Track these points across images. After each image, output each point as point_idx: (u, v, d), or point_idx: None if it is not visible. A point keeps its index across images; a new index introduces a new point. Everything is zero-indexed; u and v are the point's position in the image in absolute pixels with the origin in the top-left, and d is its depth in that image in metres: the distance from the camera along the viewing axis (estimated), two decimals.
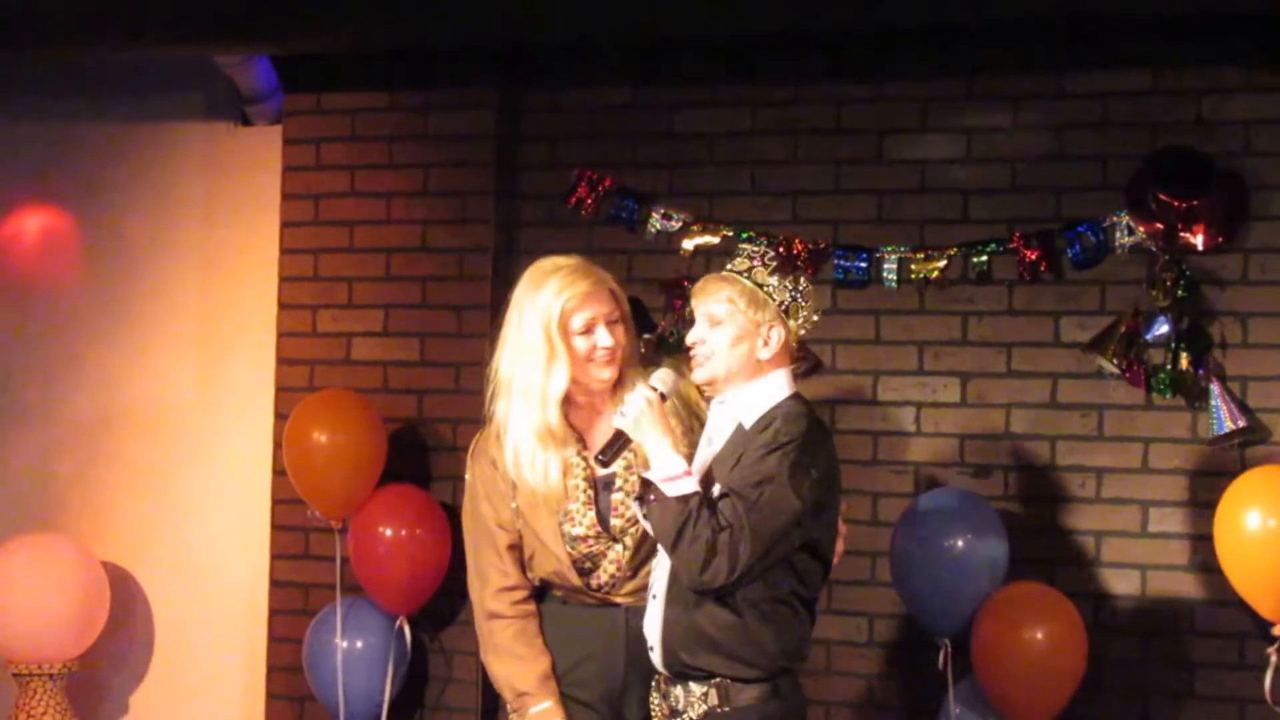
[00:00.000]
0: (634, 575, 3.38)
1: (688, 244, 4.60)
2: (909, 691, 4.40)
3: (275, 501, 4.84)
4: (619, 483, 3.38)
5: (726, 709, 3.11)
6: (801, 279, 3.23)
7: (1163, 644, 4.26)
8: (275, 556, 4.86)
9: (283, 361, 4.88)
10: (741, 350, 3.16)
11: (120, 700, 5.10)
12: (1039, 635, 4.07)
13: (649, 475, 3.12)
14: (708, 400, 3.32)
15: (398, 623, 4.56)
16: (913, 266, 4.46)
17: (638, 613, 3.33)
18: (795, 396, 3.21)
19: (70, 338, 5.20)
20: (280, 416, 4.78)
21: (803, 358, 4.49)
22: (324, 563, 4.69)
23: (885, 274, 4.47)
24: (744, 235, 4.56)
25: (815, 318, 3.23)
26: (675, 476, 3.08)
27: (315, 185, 4.87)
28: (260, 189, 4.98)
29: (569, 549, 3.36)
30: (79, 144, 5.21)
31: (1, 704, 4.95)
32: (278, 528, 4.85)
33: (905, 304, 4.47)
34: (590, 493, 3.39)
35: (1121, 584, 4.29)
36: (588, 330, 3.33)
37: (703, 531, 3.02)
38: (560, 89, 4.75)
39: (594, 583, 3.38)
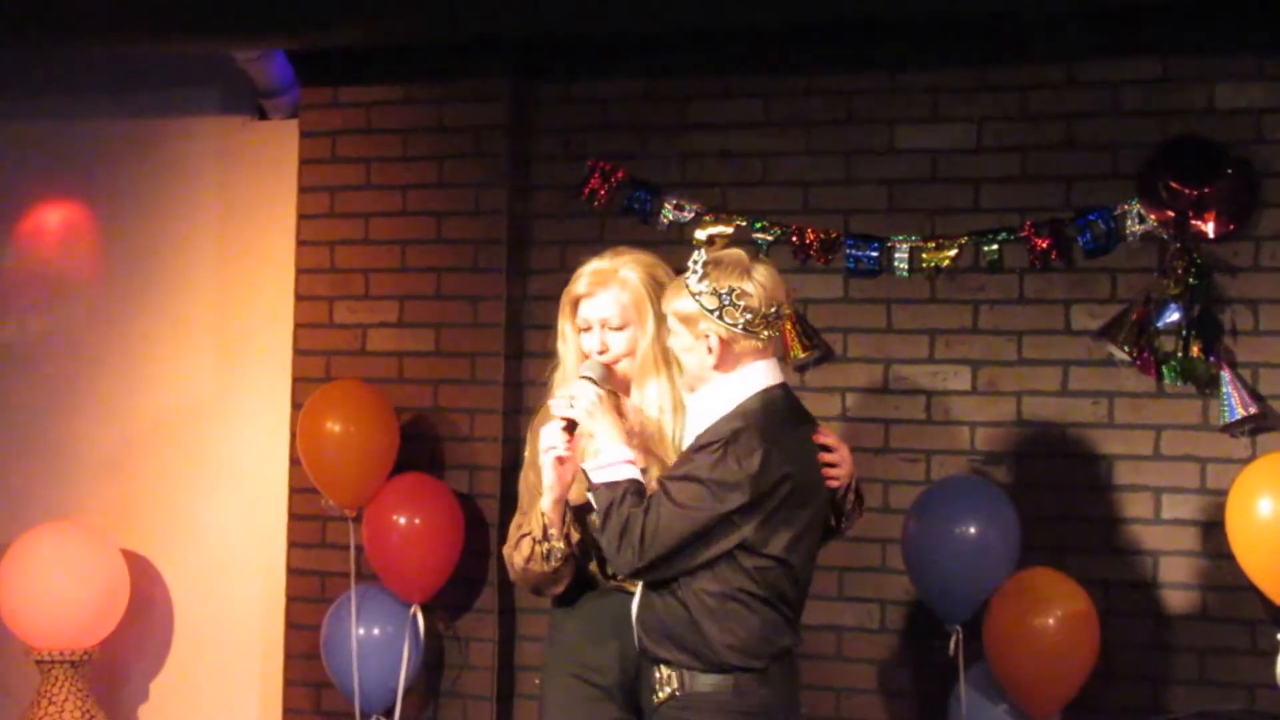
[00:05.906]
0: None
1: (700, 234, 4.59)
2: (920, 678, 4.41)
3: (292, 490, 4.87)
4: (642, 464, 3.41)
5: (684, 693, 3.16)
6: (749, 273, 3.18)
7: (1174, 630, 4.26)
8: (292, 545, 4.89)
9: (299, 352, 4.91)
10: (694, 360, 3.20)
11: (140, 687, 5.14)
12: (1050, 622, 4.07)
13: (584, 464, 3.20)
14: None
15: (411, 610, 4.60)
16: (924, 255, 4.47)
17: None
18: (760, 394, 3.18)
19: (89, 329, 5.24)
20: (297, 407, 4.81)
21: (813, 346, 4.52)
22: (340, 551, 4.72)
23: (896, 263, 4.48)
24: (756, 225, 4.58)
25: (772, 308, 3.16)
26: (612, 464, 3.16)
27: (331, 178, 4.90)
28: (276, 182, 5.02)
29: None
30: (95, 138, 5.24)
31: (24, 690, 5.00)
32: (294, 516, 4.88)
33: (916, 293, 4.48)
34: None
35: (1133, 571, 4.29)
36: (586, 329, 3.42)
37: (622, 517, 3.10)
38: (573, 81, 4.77)
39: (609, 570, 3.38)
